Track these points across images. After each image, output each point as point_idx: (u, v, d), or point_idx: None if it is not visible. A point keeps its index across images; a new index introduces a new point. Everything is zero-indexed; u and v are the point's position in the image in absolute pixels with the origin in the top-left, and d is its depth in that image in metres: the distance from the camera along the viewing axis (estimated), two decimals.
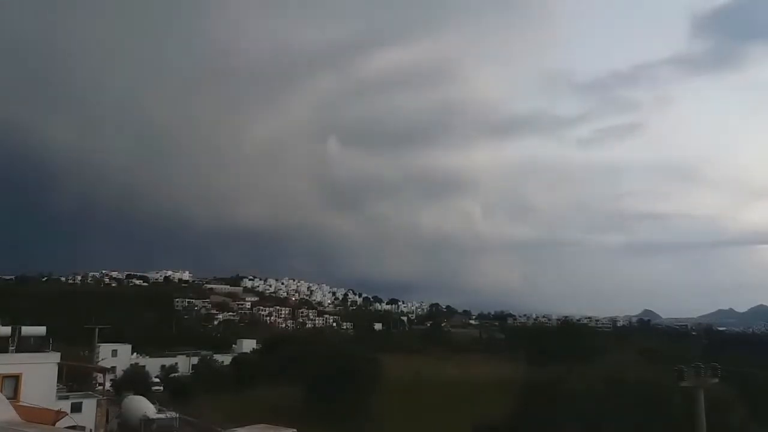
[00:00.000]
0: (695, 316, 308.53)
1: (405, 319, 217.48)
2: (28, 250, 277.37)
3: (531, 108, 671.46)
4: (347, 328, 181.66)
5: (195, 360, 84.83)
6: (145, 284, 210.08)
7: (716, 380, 24.38)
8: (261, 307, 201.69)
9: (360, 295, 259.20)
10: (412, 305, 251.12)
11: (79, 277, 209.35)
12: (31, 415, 16.01)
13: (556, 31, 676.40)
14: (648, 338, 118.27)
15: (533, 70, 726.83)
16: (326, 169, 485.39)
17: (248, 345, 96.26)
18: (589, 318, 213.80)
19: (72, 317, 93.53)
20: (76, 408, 33.52)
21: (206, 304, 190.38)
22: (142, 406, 43.74)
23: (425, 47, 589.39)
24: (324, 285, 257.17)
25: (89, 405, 34.71)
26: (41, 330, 34.23)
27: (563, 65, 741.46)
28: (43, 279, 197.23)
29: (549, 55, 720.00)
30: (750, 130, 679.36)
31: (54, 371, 32.06)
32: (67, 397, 34.62)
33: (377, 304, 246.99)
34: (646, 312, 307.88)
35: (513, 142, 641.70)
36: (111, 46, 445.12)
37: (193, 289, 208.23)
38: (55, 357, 32.52)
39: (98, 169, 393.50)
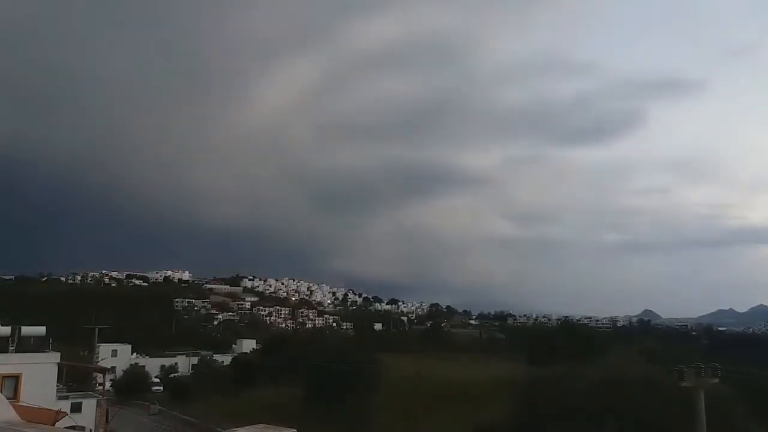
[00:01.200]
0: (695, 316, 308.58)
1: (405, 319, 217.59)
2: (26, 250, 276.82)
3: (532, 97, 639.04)
4: (347, 328, 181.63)
5: (195, 360, 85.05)
6: (145, 284, 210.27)
7: (716, 380, 24.40)
8: (261, 307, 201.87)
9: (360, 295, 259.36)
10: (412, 305, 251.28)
11: (79, 277, 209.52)
12: (31, 415, 15.98)
13: (564, 11, 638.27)
14: (648, 338, 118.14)
15: (530, 54, 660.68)
16: (316, 166, 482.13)
17: (248, 345, 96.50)
18: (589, 318, 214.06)
19: (72, 317, 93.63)
20: (76, 408, 33.56)
21: (206, 304, 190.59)
22: None
23: (413, 21, 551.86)
24: (324, 285, 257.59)
25: (89, 405, 34.74)
26: (41, 330, 34.30)
27: (564, 50, 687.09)
28: (43, 279, 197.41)
29: (550, 38, 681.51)
30: (755, 124, 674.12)
31: (54, 371, 32.10)
32: (67, 397, 34.66)
33: (377, 304, 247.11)
34: (646, 312, 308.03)
35: (513, 135, 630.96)
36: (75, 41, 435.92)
37: (193, 289, 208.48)
38: (55, 357, 32.57)
39: (97, 168, 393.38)
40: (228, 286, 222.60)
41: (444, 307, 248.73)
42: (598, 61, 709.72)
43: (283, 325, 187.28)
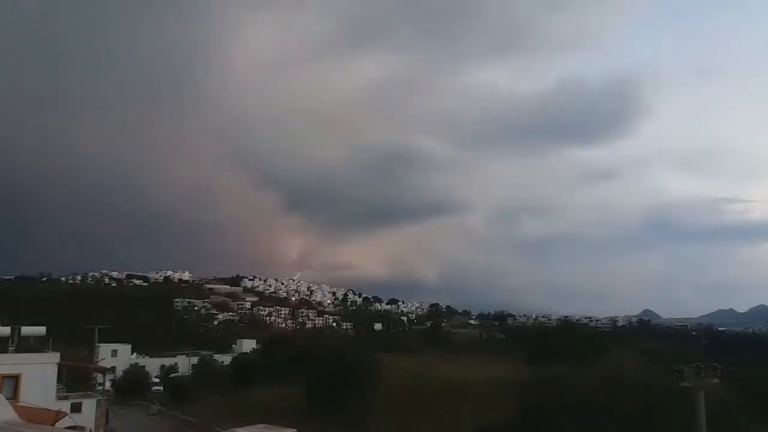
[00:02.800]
0: (695, 316, 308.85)
1: (405, 319, 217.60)
2: (27, 250, 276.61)
3: (520, 83, 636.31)
4: (347, 328, 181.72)
5: (195, 360, 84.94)
6: (145, 284, 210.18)
7: (716, 380, 24.42)
8: (261, 307, 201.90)
9: (360, 295, 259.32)
10: (412, 305, 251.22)
11: (79, 277, 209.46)
12: (31, 415, 16.00)
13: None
14: (648, 338, 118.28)
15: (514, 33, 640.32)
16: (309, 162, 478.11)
17: (248, 345, 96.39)
18: (589, 318, 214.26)
19: (72, 317, 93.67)
20: (76, 408, 33.47)
21: (206, 304, 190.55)
22: None
23: None
24: (324, 285, 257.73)
25: (89, 405, 34.66)
26: (41, 330, 34.26)
27: (555, 31, 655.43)
28: (43, 279, 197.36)
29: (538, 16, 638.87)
30: (759, 120, 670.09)
31: (54, 371, 32.04)
32: (66, 397, 34.56)
33: (377, 304, 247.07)
34: (646, 312, 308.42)
35: (514, 132, 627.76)
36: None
37: (193, 289, 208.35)
38: (55, 357, 32.50)
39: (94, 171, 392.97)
40: (228, 286, 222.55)
41: (444, 307, 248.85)
42: (593, 45, 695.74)
43: (283, 325, 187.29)
